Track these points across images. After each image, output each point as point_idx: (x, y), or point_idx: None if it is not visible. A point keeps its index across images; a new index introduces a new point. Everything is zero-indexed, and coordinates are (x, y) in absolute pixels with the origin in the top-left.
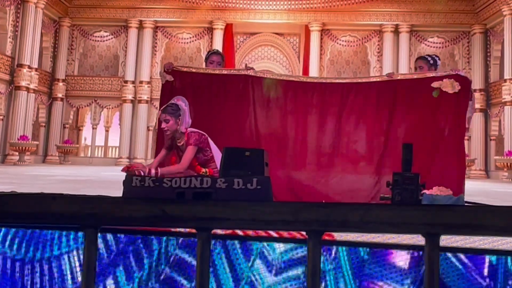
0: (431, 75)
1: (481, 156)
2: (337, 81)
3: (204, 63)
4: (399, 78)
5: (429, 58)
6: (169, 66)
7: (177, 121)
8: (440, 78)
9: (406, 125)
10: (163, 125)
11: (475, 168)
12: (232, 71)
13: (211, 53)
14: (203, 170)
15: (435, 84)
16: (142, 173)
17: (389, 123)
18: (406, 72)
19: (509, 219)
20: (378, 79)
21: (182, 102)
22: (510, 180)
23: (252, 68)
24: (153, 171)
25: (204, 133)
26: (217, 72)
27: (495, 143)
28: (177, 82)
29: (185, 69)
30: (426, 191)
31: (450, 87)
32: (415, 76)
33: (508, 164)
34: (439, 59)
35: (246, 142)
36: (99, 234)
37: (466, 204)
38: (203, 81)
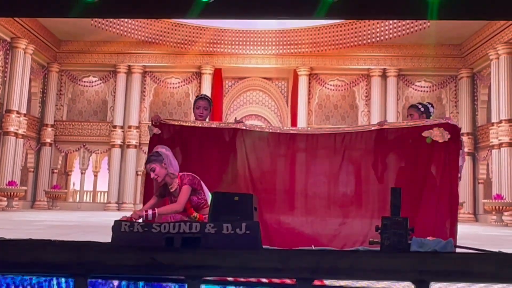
0: (421, 124)
1: (470, 199)
2: (328, 131)
3: (192, 108)
4: (389, 127)
5: (420, 106)
6: (157, 119)
7: (163, 165)
8: (430, 127)
9: (396, 173)
10: (152, 175)
11: (464, 211)
12: (221, 124)
13: (198, 98)
14: (194, 214)
15: (425, 133)
16: (140, 218)
17: (379, 170)
18: (394, 116)
19: (498, 266)
20: (368, 128)
21: (162, 149)
22: (498, 223)
23: (241, 122)
24: (150, 211)
25: (197, 176)
26: (206, 125)
27: (483, 186)
28: (165, 134)
29: (173, 122)
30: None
31: (440, 136)
32: (405, 125)
33: (497, 207)
34: (432, 106)
35: (240, 190)
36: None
37: (455, 248)
38: (192, 134)
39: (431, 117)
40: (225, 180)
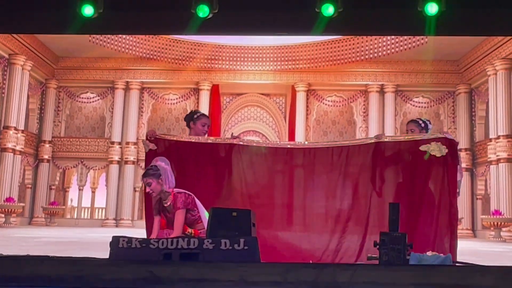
0: (419, 138)
1: (468, 215)
2: (324, 145)
3: (190, 122)
4: (386, 140)
5: (420, 122)
6: (152, 134)
7: (159, 181)
8: (428, 141)
9: (394, 187)
10: (147, 189)
11: (462, 227)
12: (217, 140)
13: (202, 115)
14: (189, 230)
15: (423, 147)
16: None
17: (376, 184)
18: (392, 132)
19: (497, 279)
20: (366, 142)
21: (161, 162)
22: (497, 239)
23: (238, 137)
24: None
25: (190, 193)
26: (202, 141)
27: (481, 202)
28: (161, 150)
29: (168, 137)
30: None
31: (437, 150)
32: (402, 139)
33: (495, 223)
34: (430, 123)
35: (236, 206)
36: None
37: (453, 263)
38: (188, 149)
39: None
40: (221, 196)
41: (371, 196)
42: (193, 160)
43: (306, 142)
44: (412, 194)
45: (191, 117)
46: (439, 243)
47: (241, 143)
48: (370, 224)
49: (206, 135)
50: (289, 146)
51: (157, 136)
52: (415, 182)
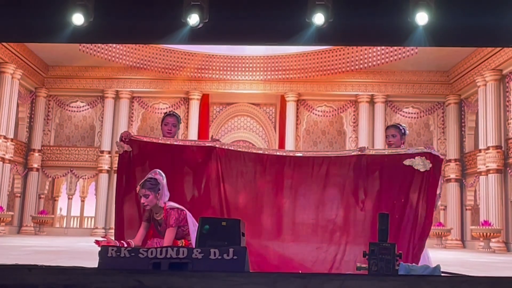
0: (403, 152)
1: (457, 225)
2: (307, 155)
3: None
4: (370, 153)
5: (401, 127)
6: (127, 135)
7: (157, 195)
8: (412, 156)
9: (375, 200)
10: (143, 200)
11: (451, 238)
12: (196, 142)
13: (166, 115)
14: (179, 242)
15: (406, 162)
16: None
17: (358, 197)
18: (382, 142)
19: None
20: (348, 154)
21: (159, 176)
22: (486, 250)
23: (218, 140)
24: (133, 245)
25: (183, 209)
26: (180, 143)
27: (470, 213)
28: (135, 152)
29: (144, 139)
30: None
31: (421, 165)
32: (386, 152)
33: (484, 234)
34: (406, 129)
35: (214, 213)
36: None
37: (442, 274)
38: (164, 152)
39: (404, 138)
40: (198, 201)
41: (352, 208)
42: (169, 163)
43: (289, 150)
44: (393, 207)
45: (161, 120)
46: (413, 255)
47: (220, 146)
48: (356, 234)
49: (176, 136)
50: (267, 153)
51: (132, 138)
52: (396, 196)
